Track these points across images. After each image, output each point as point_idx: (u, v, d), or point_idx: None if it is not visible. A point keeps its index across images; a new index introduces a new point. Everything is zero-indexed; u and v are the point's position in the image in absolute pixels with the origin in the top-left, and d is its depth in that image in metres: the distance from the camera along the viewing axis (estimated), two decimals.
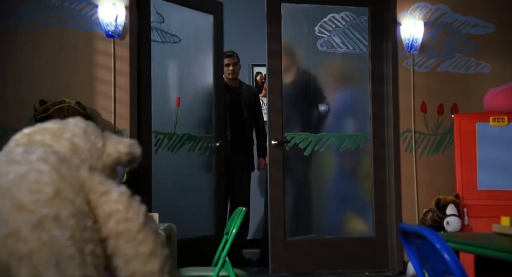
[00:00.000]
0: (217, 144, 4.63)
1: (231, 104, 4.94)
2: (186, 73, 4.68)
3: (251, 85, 5.92)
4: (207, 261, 2.95)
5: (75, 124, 1.21)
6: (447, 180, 4.37)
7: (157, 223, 2.45)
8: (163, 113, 4.43)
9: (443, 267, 1.28)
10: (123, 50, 3.95)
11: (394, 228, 4.47)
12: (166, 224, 2.55)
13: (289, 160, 4.41)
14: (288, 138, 4.40)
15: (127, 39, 3.95)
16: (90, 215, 1.08)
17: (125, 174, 3.44)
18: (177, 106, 4.49)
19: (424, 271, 1.54)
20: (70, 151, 1.16)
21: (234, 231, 2.13)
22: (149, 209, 4.06)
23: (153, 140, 4.32)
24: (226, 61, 4.82)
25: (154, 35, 4.40)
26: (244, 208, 2.25)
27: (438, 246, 1.14)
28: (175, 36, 4.52)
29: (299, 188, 4.53)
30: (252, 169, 5.18)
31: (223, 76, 4.84)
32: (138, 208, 1.13)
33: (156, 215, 2.49)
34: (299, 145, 4.46)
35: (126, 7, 3.91)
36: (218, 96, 4.71)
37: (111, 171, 1.22)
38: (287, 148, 4.40)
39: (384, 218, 4.50)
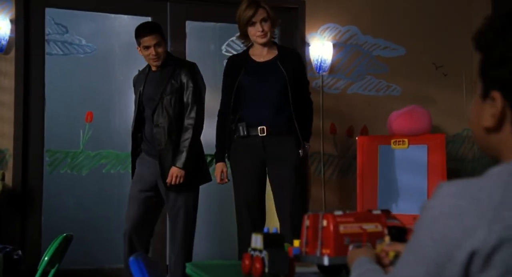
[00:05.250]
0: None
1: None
2: (103, 85, 4.44)
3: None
4: None
5: None
6: (355, 203, 4.26)
7: None
8: (64, 130, 4.24)
9: None
10: (8, 66, 3.76)
11: None
12: None
13: None
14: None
15: (12, 53, 3.76)
16: None
17: None
18: (87, 122, 4.29)
19: None
20: None
21: (46, 259, 1.95)
22: (39, 231, 3.86)
23: (47, 160, 4.12)
24: (146, 41, 3.28)
25: (52, 48, 4.24)
26: (65, 234, 2.07)
27: None
28: (87, 46, 4.36)
29: None
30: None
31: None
32: None
33: None
34: None
35: (11, 20, 3.74)
36: None
37: None
38: None
39: None
